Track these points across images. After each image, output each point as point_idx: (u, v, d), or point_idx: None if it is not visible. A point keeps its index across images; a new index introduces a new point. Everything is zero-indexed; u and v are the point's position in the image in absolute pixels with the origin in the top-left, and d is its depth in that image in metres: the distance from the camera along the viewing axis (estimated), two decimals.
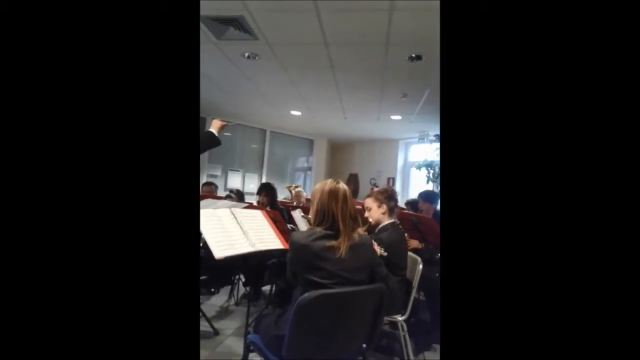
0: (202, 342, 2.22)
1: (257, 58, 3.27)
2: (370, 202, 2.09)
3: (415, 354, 2.17)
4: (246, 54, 3.21)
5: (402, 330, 1.98)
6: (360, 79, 3.66)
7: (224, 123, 2.06)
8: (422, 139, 5.62)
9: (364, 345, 1.37)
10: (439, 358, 2.26)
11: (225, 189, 5.81)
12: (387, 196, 2.08)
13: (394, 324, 2.00)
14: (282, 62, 3.35)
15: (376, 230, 2.05)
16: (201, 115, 5.95)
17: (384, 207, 2.06)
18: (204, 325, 2.36)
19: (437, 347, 2.37)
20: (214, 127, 2.04)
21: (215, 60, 3.39)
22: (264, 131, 6.83)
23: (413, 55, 2.96)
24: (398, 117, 5.08)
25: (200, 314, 2.36)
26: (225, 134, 6.36)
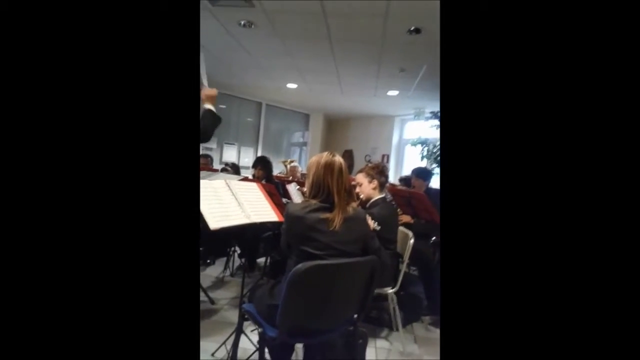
0: None
1: (252, 26, 3.17)
2: (361, 178, 2.10)
3: (404, 325, 2.25)
4: (242, 22, 3.11)
5: (392, 302, 2.04)
6: (359, 51, 3.58)
7: (214, 93, 1.86)
8: (417, 115, 5.59)
9: (355, 316, 1.42)
10: (426, 329, 2.35)
11: (221, 162, 5.78)
12: (378, 172, 2.10)
13: (384, 296, 2.07)
14: (278, 32, 3.26)
15: (367, 205, 2.07)
16: None
17: (375, 183, 2.08)
18: (200, 295, 2.42)
19: (425, 318, 2.46)
20: (208, 102, 1.84)
21: (209, 28, 3.28)
22: (260, 104, 6.72)
23: (412, 29, 2.89)
24: (395, 93, 5.02)
25: None
26: (221, 106, 6.25)
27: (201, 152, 4.98)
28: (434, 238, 2.62)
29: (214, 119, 1.85)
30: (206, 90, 1.86)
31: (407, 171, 5.67)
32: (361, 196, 2.10)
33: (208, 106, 1.86)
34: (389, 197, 2.46)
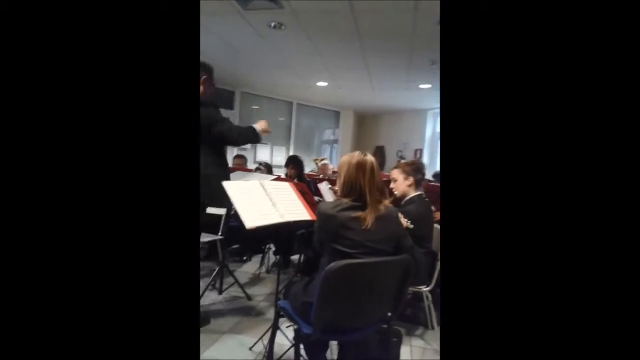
0: (236, 307, 2.37)
1: (282, 28, 3.22)
2: (396, 174, 2.08)
3: (439, 323, 2.21)
4: (272, 24, 3.17)
5: (427, 300, 2.01)
6: (388, 46, 3.53)
7: (268, 128, 2.15)
8: None
9: (389, 314, 1.42)
10: None
11: (254, 162, 5.92)
12: (415, 168, 2.06)
13: (419, 295, 2.04)
14: (307, 31, 3.29)
15: (402, 203, 2.05)
16: (228, 88, 5.99)
17: (411, 180, 2.04)
18: (237, 291, 2.51)
19: None
20: (259, 126, 2.11)
21: (241, 31, 3.37)
22: (291, 103, 6.81)
23: None
24: (427, 86, 4.90)
25: (234, 281, 2.51)
26: (254, 107, 6.41)
27: (236, 153, 5.13)
28: None
29: (252, 136, 2.09)
30: (264, 123, 2.15)
31: None
32: (395, 192, 2.08)
33: (256, 126, 2.11)
34: (425, 194, 2.41)
